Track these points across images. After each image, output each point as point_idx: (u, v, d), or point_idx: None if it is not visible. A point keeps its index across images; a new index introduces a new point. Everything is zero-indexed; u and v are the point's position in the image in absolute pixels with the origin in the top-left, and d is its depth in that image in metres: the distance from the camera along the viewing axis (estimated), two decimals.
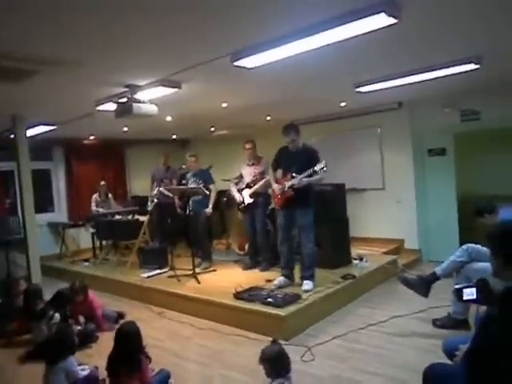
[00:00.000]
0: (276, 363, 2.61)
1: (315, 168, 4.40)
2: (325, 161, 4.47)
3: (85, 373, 3.17)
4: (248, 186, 5.73)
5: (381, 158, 7.01)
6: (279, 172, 4.80)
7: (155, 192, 6.97)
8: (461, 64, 4.19)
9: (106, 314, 4.52)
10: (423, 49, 3.77)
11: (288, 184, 4.48)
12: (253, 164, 5.81)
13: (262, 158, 5.80)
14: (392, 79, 4.72)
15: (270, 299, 4.19)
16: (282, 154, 4.79)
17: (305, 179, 4.38)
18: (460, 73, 4.43)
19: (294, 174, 4.45)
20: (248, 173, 5.80)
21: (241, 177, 5.94)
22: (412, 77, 4.59)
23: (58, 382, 3.01)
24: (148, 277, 5.69)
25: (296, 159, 4.53)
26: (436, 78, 4.64)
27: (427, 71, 4.42)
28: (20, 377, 3.50)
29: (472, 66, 4.23)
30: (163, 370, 3.16)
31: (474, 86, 5.57)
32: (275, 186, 4.69)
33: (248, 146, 5.81)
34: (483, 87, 5.61)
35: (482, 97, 5.84)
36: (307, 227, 4.55)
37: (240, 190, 5.86)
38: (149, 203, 7.16)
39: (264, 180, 5.53)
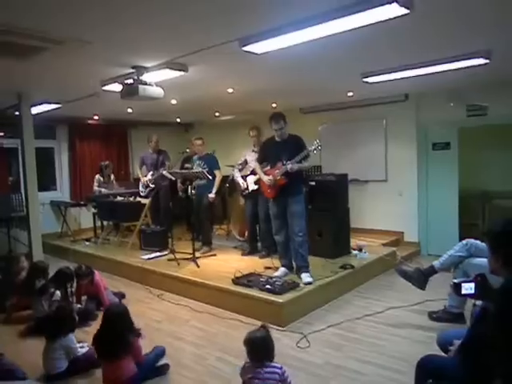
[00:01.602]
0: (258, 348, 2.50)
1: (309, 148, 4.42)
2: (317, 139, 4.48)
3: (83, 350, 3.23)
4: (253, 173, 5.70)
5: (385, 149, 6.99)
6: (265, 165, 4.76)
7: (149, 177, 6.90)
8: (470, 58, 4.15)
9: (110, 300, 4.42)
10: (433, 41, 3.73)
11: (281, 171, 4.44)
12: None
13: None
14: (399, 71, 4.69)
15: (268, 286, 4.22)
16: (268, 146, 4.78)
17: (296, 165, 4.38)
18: (469, 67, 4.39)
19: (284, 162, 4.42)
20: (253, 159, 5.77)
21: (245, 163, 5.91)
22: (420, 69, 4.55)
23: (57, 357, 3.06)
24: (148, 259, 5.74)
25: (285, 148, 4.51)
26: (444, 72, 4.60)
27: (435, 64, 4.38)
28: (21, 351, 3.54)
29: (481, 61, 4.19)
30: (158, 347, 3.22)
31: (483, 81, 5.52)
32: (265, 178, 4.64)
33: (252, 133, 5.78)
34: (492, 82, 5.56)
35: (490, 92, 5.79)
36: (299, 214, 4.51)
37: (245, 177, 5.86)
38: (140, 188, 6.99)
39: None
